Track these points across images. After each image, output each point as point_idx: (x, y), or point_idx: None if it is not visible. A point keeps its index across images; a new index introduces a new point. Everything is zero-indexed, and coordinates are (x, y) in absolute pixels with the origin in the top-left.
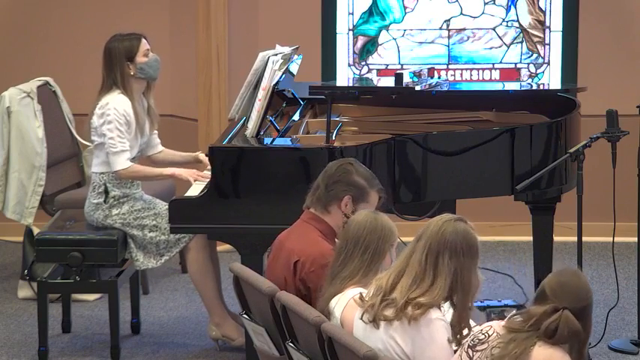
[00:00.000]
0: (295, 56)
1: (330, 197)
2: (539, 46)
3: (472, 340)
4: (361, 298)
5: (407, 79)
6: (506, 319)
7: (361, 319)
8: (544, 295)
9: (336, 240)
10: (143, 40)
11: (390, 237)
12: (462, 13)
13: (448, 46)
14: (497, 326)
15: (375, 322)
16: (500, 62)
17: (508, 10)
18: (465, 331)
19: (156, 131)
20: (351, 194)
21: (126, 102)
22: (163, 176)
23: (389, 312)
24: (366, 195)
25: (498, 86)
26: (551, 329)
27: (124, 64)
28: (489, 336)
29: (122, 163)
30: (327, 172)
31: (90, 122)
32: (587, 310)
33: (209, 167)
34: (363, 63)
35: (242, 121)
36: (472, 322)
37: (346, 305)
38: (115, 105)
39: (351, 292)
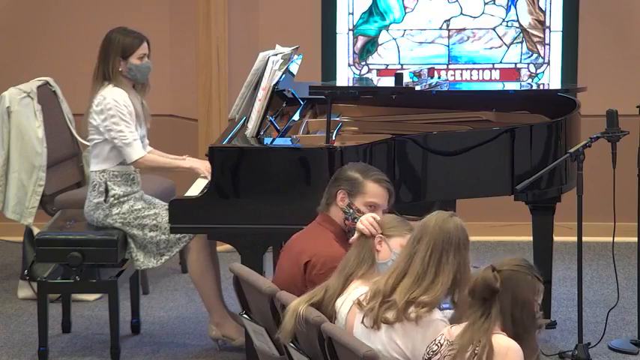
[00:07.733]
0: (295, 56)
1: (328, 196)
2: (539, 46)
3: (427, 352)
4: (359, 303)
5: (407, 79)
6: None
7: (362, 322)
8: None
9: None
10: (144, 44)
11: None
12: (462, 13)
13: (448, 46)
14: (447, 333)
15: (376, 325)
16: (500, 62)
17: (508, 10)
18: None
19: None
20: (343, 188)
21: (122, 93)
22: (181, 168)
23: (390, 314)
24: (360, 186)
25: (498, 86)
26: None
27: (117, 58)
28: (441, 345)
29: (138, 152)
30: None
31: (88, 121)
32: (527, 289)
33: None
34: (363, 63)
35: (242, 121)
36: None
37: (350, 310)
38: (114, 97)
39: (357, 293)
